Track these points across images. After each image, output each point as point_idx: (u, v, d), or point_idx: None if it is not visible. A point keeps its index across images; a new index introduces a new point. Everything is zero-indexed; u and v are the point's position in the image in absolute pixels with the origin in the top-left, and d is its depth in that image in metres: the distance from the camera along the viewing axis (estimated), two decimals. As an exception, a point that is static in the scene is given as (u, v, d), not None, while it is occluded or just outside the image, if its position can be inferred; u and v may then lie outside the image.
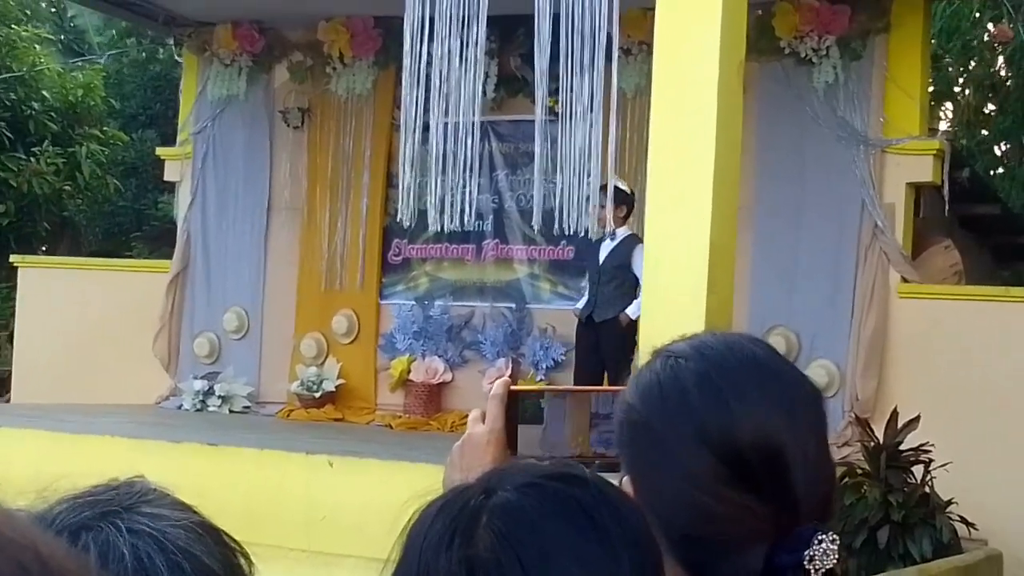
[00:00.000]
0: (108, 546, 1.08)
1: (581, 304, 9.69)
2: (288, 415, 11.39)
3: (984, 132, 17.50)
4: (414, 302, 11.55)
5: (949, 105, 17.79)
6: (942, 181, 9.81)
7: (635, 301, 8.70)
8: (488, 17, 7.99)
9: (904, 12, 9.90)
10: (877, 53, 9.91)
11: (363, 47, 11.60)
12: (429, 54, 8.13)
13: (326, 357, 11.72)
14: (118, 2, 12.25)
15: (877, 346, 9.55)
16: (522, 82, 10.68)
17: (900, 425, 7.81)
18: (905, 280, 9.70)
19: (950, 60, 16.64)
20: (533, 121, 8.37)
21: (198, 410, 11.47)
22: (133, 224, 16.84)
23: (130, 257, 15.79)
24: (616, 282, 9.25)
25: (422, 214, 8.94)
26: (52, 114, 15.92)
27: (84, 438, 8.31)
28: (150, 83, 17.91)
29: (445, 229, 8.88)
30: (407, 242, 11.62)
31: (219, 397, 11.57)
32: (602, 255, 9.42)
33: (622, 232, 9.24)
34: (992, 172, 17.01)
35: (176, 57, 13.10)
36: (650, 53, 6.85)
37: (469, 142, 8.32)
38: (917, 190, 10.01)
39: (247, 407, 11.61)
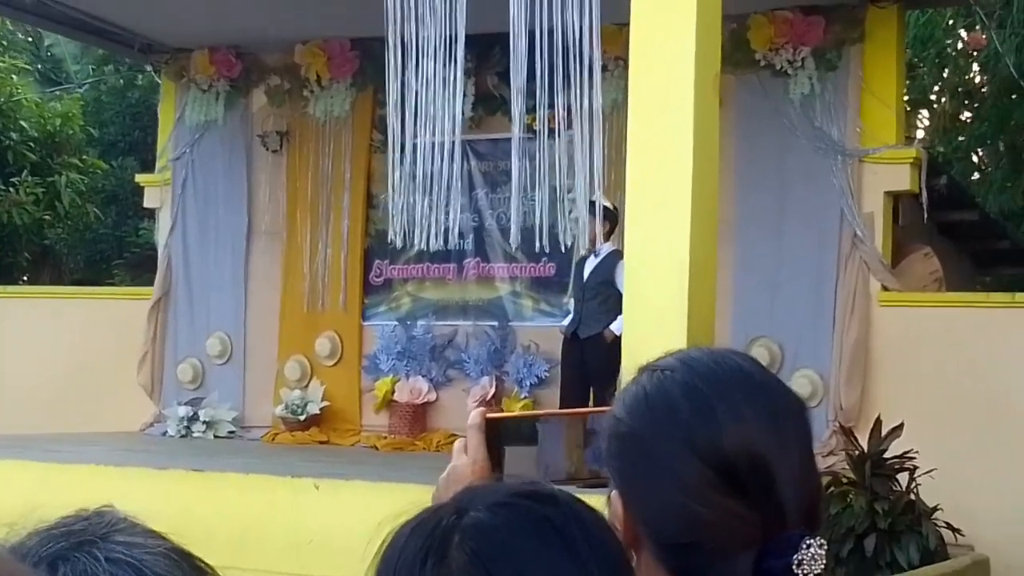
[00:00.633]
0: (87, 576, 1.08)
1: (567, 322, 9.72)
2: (273, 439, 11.36)
3: (960, 139, 17.56)
4: (397, 323, 11.55)
5: (925, 113, 17.87)
6: (920, 189, 9.84)
7: (619, 317, 8.72)
8: (450, 37, 8.00)
9: (878, 21, 9.95)
10: (852, 63, 9.95)
11: (340, 69, 11.62)
12: (413, 75, 8.13)
13: (310, 380, 11.71)
14: (95, 30, 12.24)
15: (860, 355, 9.57)
16: (499, 100, 10.68)
17: (884, 433, 7.83)
18: (885, 288, 9.74)
19: (925, 68, 16.71)
20: (510, 139, 8.38)
21: (183, 436, 11.44)
22: (114, 251, 16.80)
23: (112, 284, 15.74)
24: (600, 298, 9.27)
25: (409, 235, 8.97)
26: (30, 144, 15.88)
27: (69, 467, 8.27)
28: (128, 110, 17.88)
29: (431, 248, 8.88)
30: (389, 263, 11.62)
31: (204, 423, 11.54)
32: (586, 272, 9.46)
33: (605, 248, 9.28)
34: (970, 178, 17.07)
35: (157, 79, 13.09)
36: (626, 68, 6.86)
37: (452, 161, 8.34)
38: (895, 198, 10.05)
39: (232, 432, 11.58)
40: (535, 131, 8.22)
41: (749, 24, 10.02)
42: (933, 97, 17.45)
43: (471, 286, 11.35)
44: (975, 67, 16.75)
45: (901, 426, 7.78)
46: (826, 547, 1.35)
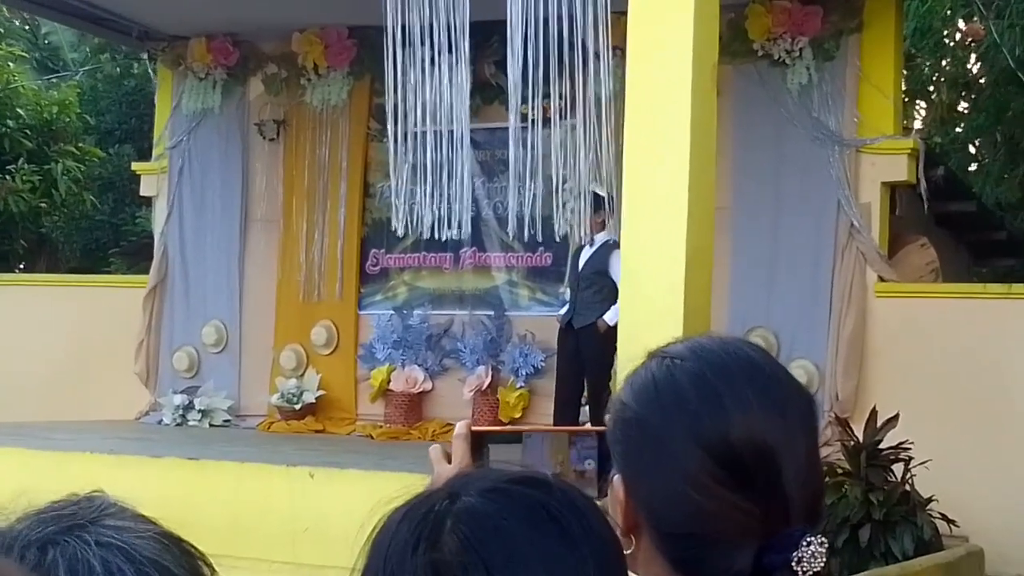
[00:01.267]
0: (77, 560, 1.08)
1: (564, 311, 9.71)
2: (269, 427, 11.37)
3: (958, 130, 17.56)
4: (393, 312, 11.55)
5: (923, 103, 17.85)
6: (917, 179, 9.84)
7: (613, 307, 8.72)
8: (452, 26, 7.99)
9: (876, 11, 9.93)
10: (850, 53, 9.94)
11: (337, 57, 11.60)
12: (417, 62, 8.13)
13: (306, 369, 11.71)
14: (92, 18, 12.22)
15: (856, 345, 9.58)
16: (497, 89, 10.67)
17: (879, 424, 7.83)
18: (882, 279, 9.73)
19: (923, 59, 16.69)
20: (508, 128, 8.38)
21: (178, 425, 11.44)
22: (111, 239, 16.78)
23: (108, 273, 15.73)
24: (595, 288, 9.26)
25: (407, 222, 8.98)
26: (27, 132, 15.85)
27: (65, 455, 8.28)
28: (125, 98, 17.85)
29: (442, 237, 8.90)
30: (385, 252, 11.62)
31: (199, 411, 11.54)
32: (581, 261, 9.45)
33: (600, 238, 9.27)
34: (967, 169, 17.07)
35: (151, 72, 13.08)
36: (624, 58, 6.85)
37: (456, 149, 8.35)
38: (892, 189, 10.04)
39: (227, 421, 11.59)
40: (532, 120, 8.22)
41: (747, 14, 10.01)
42: (931, 88, 17.44)
43: (467, 275, 11.35)
44: (973, 58, 16.73)
45: (896, 417, 7.78)
46: (826, 545, 1.34)
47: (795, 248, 9.86)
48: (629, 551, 1.38)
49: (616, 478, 1.44)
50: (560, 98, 7.87)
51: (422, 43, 8.09)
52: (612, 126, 7.73)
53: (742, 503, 1.35)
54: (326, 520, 7.30)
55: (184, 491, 7.72)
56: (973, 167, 17.63)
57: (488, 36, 9.94)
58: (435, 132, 8.49)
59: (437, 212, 8.63)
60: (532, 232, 8.25)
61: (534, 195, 8.22)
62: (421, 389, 11.26)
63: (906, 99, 14.39)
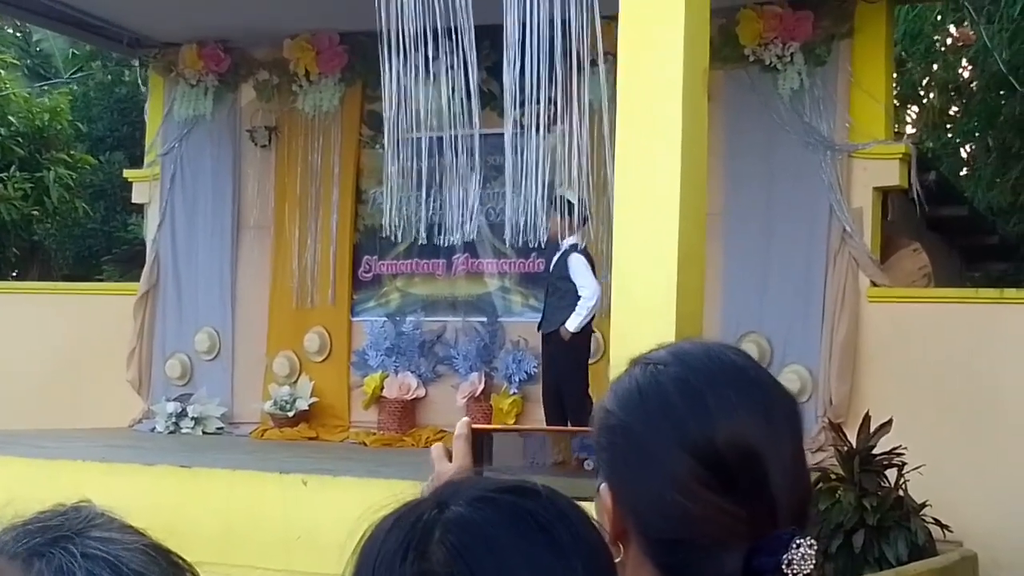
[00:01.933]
0: (63, 572, 1.07)
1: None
2: (262, 435, 11.34)
3: (949, 134, 17.59)
4: (386, 318, 11.53)
5: (914, 108, 17.88)
6: (909, 184, 9.85)
7: (574, 313, 8.71)
8: (452, 29, 7.99)
9: (867, 16, 9.95)
10: (841, 58, 9.96)
11: (329, 64, 11.59)
12: (415, 68, 8.13)
13: (299, 376, 11.69)
14: (83, 25, 12.21)
15: (849, 350, 9.58)
16: (489, 95, 10.65)
17: (873, 429, 7.83)
18: (874, 284, 9.74)
19: (914, 63, 16.73)
20: (501, 134, 8.37)
21: (171, 432, 11.42)
22: (103, 247, 16.77)
23: (101, 280, 15.72)
24: (559, 293, 9.07)
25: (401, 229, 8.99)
26: (19, 139, 15.85)
27: (57, 463, 8.26)
28: (116, 105, 17.85)
29: (449, 242, 8.89)
30: (377, 258, 11.60)
31: (192, 419, 11.52)
32: (551, 267, 9.36)
33: (566, 243, 9.12)
34: (958, 174, 17.10)
35: (140, 81, 13.07)
36: (615, 63, 6.85)
37: (457, 154, 8.35)
38: (884, 194, 10.05)
39: (220, 428, 11.57)
40: (524, 126, 8.21)
41: (738, 19, 10.01)
42: (922, 92, 17.47)
43: (460, 282, 11.33)
44: (964, 62, 16.77)
45: (890, 422, 7.78)
46: (816, 547, 1.34)
47: (787, 253, 9.87)
48: (618, 559, 1.37)
49: (603, 486, 1.43)
50: (551, 103, 7.86)
51: (416, 49, 8.08)
52: (587, 132, 7.72)
53: (728, 506, 1.35)
54: (319, 528, 7.28)
55: (177, 499, 7.71)
56: (965, 171, 17.66)
57: (480, 42, 9.93)
58: (430, 138, 8.48)
59: (435, 218, 8.63)
60: (525, 238, 8.24)
61: (527, 201, 8.20)
62: (414, 396, 11.24)
63: (897, 104, 14.43)
